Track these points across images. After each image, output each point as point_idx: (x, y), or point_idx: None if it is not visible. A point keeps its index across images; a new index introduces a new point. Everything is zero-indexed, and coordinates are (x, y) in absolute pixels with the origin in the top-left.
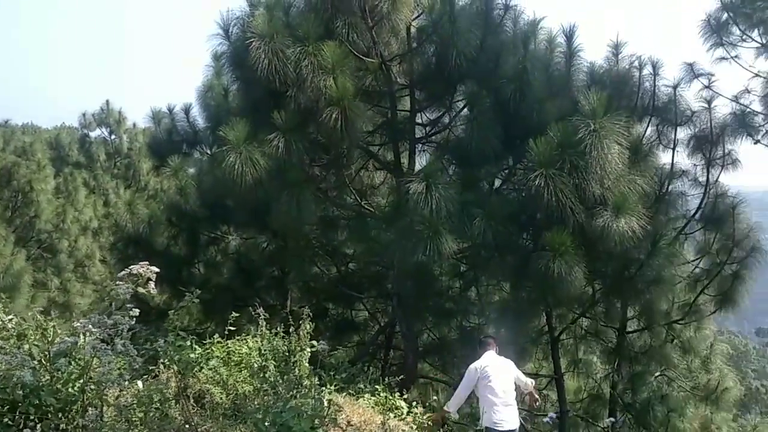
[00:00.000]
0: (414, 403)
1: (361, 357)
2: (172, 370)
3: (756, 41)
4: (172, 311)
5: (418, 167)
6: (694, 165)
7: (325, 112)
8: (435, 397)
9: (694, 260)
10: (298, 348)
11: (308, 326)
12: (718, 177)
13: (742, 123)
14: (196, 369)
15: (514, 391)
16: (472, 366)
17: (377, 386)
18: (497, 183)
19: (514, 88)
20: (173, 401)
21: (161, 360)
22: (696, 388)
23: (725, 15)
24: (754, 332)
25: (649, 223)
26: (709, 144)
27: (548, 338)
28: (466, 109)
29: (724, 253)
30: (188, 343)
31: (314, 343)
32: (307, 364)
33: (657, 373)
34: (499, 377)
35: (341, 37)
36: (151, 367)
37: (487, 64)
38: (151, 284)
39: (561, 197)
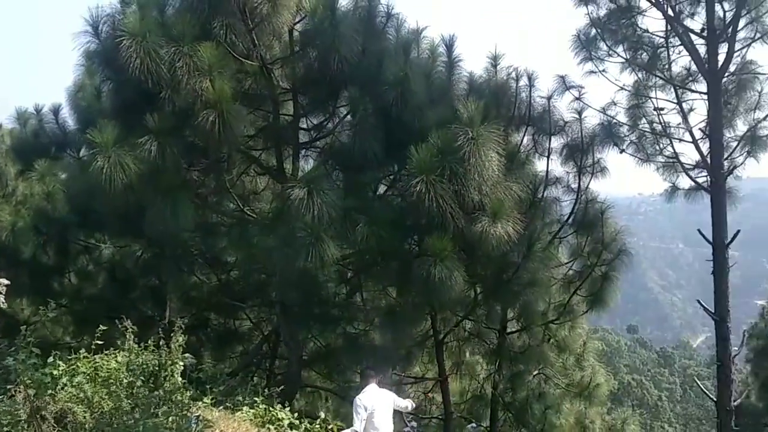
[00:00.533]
0: (297, 415)
1: (244, 368)
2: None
3: (621, 56)
4: (25, 326)
5: (302, 173)
6: (567, 172)
7: (202, 115)
8: (324, 407)
9: (567, 263)
10: (169, 362)
11: (180, 339)
12: (588, 184)
13: (609, 133)
14: (57, 387)
15: (392, 423)
16: (359, 402)
17: (256, 398)
18: (382, 189)
19: (395, 95)
20: (25, 423)
21: (15, 379)
22: (571, 384)
23: (594, 31)
24: (626, 329)
25: (524, 227)
26: (580, 153)
27: (433, 341)
28: (349, 115)
29: (594, 255)
30: (50, 359)
31: (187, 356)
32: (179, 379)
33: (535, 372)
34: (381, 412)
35: (219, 38)
36: (8, 387)
37: (370, 70)
38: (1, 297)
39: (441, 203)
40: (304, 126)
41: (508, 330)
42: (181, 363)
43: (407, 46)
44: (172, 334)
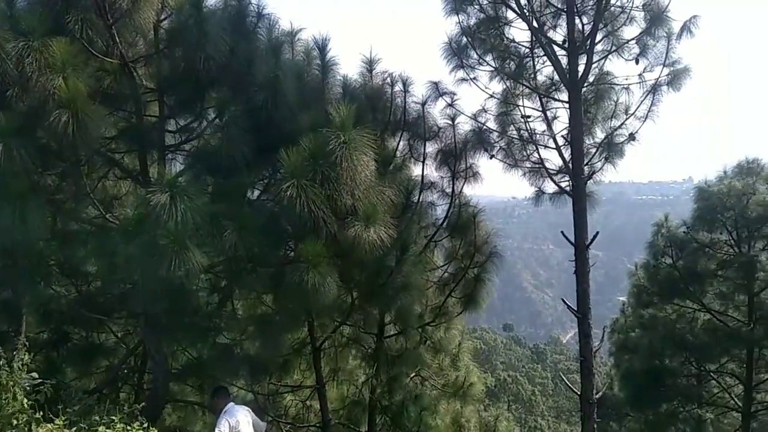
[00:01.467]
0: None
1: (109, 384)
2: None
3: (490, 65)
4: None
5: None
6: (442, 177)
7: (54, 115)
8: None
9: (442, 265)
10: (11, 383)
11: (25, 356)
12: (462, 188)
13: (481, 139)
14: None
15: None
16: (225, 423)
17: (113, 417)
18: (254, 194)
19: (266, 97)
20: None
21: None
22: (447, 385)
23: (465, 39)
24: (502, 327)
25: (399, 232)
26: (454, 158)
27: (311, 348)
28: (217, 117)
29: (467, 258)
30: None
31: (33, 374)
32: (23, 400)
33: (412, 374)
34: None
35: (75, 34)
36: None
37: (240, 71)
38: None
39: (313, 208)
40: (171, 128)
41: (386, 334)
42: (25, 383)
43: (279, 47)
44: (15, 352)
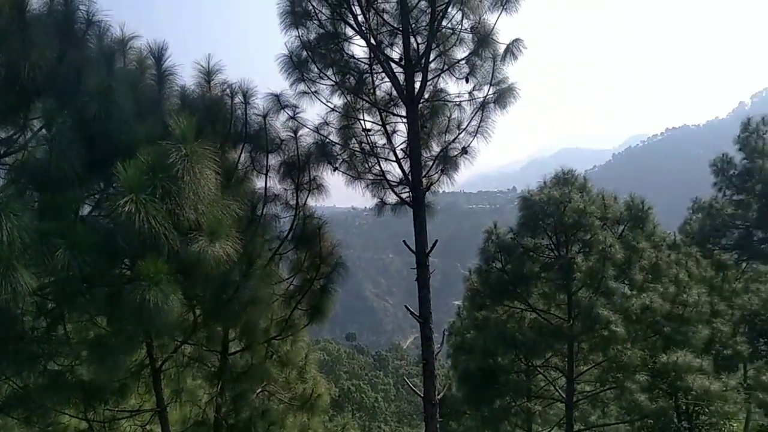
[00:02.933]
0: None
1: None
2: None
3: (331, 79)
4: None
5: None
6: (285, 189)
7: None
8: None
9: (288, 278)
10: None
11: None
12: (306, 200)
13: (323, 152)
14: None
15: None
16: None
17: None
18: (86, 209)
19: (99, 107)
20: None
21: None
22: (294, 398)
23: (305, 53)
24: (345, 337)
25: (244, 245)
26: (297, 170)
27: (150, 370)
28: (44, 128)
29: (313, 269)
30: None
31: None
32: None
33: (258, 390)
34: None
35: None
36: None
37: (68, 80)
38: None
39: (154, 224)
40: None
41: (231, 350)
42: None
43: (111, 55)
44: None
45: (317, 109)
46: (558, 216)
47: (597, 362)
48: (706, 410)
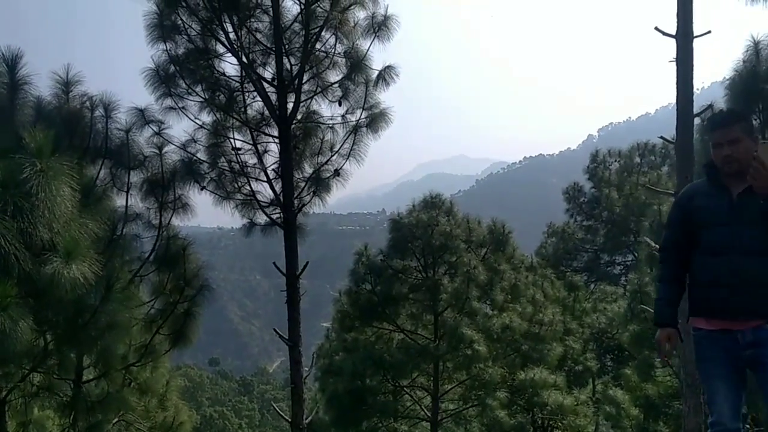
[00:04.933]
0: None
1: None
2: None
3: (200, 96)
4: None
5: None
6: (148, 208)
7: None
8: None
9: (149, 301)
10: None
11: None
12: (170, 220)
13: (190, 170)
14: None
15: None
16: None
17: None
18: None
19: None
20: None
21: None
22: (154, 427)
23: (173, 68)
24: (208, 362)
25: (102, 267)
26: (161, 188)
27: None
28: None
29: (177, 292)
30: None
31: None
32: None
33: (115, 420)
34: None
35: None
36: None
37: None
38: None
39: (4, 243)
40: None
41: (85, 378)
42: None
43: None
44: None
45: (185, 126)
46: (426, 238)
47: (461, 380)
48: (560, 424)
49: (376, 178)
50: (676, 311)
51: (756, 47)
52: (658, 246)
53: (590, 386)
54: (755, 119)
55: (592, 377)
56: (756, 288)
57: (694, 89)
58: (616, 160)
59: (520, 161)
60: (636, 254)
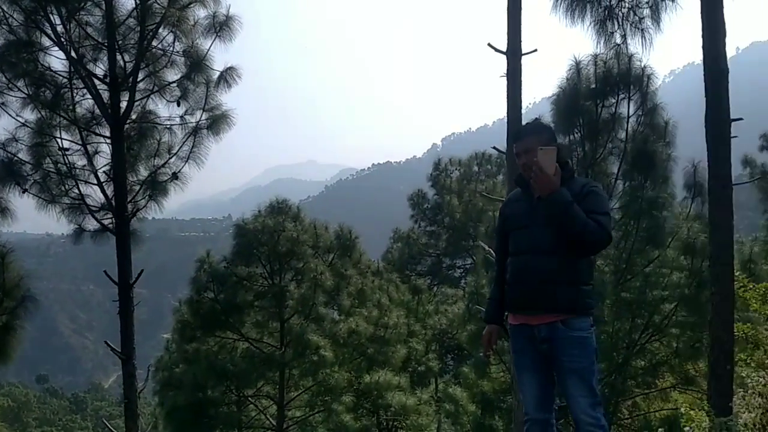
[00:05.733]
0: None
1: None
2: None
3: (23, 91)
4: None
5: None
6: None
7: None
8: None
9: None
10: None
11: None
12: None
13: (10, 171)
14: None
15: None
16: None
17: None
18: None
19: None
20: None
21: None
22: None
23: None
24: (36, 379)
25: None
26: None
27: None
28: None
29: None
30: None
31: None
32: None
33: None
34: None
35: None
36: None
37: None
38: None
39: None
40: None
41: None
42: None
43: None
44: None
45: (5, 123)
46: (272, 244)
47: (307, 387)
48: (404, 424)
49: (221, 182)
50: (502, 309)
51: (577, 66)
52: (492, 250)
53: (433, 386)
54: (577, 133)
55: (435, 377)
56: (546, 285)
57: (528, 104)
58: (456, 169)
59: (368, 168)
60: (474, 258)
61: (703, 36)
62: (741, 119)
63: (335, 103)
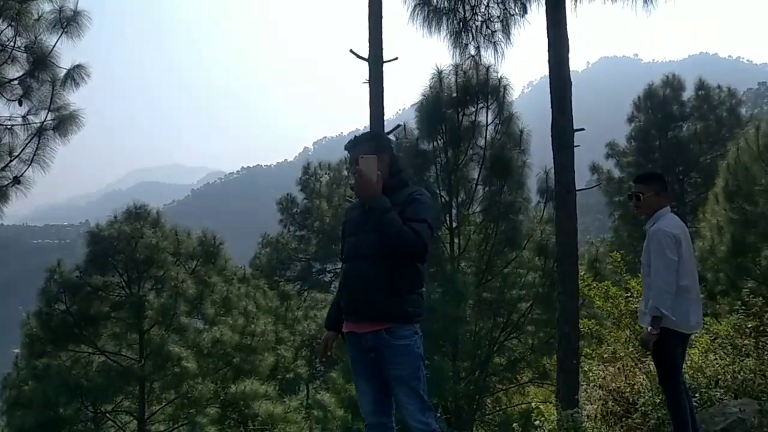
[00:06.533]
0: None
1: None
2: None
3: None
4: None
5: None
6: None
7: None
8: None
9: None
10: None
11: None
12: None
13: None
14: None
15: None
16: None
17: None
18: None
19: None
20: None
21: None
22: None
23: None
24: None
25: None
26: None
27: None
28: None
29: None
30: None
31: None
32: None
33: None
34: None
35: None
36: None
37: None
38: None
39: None
40: None
41: None
42: None
43: None
44: None
45: None
46: (129, 252)
47: (170, 400)
48: None
49: (78, 185)
50: (341, 316)
51: (440, 75)
52: None
53: (304, 392)
54: (440, 140)
55: (306, 384)
56: (371, 292)
57: (398, 110)
58: (326, 173)
59: (238, 171)
60: None
61: (549, 51)
62: (583, 129)
63: (204, 104)
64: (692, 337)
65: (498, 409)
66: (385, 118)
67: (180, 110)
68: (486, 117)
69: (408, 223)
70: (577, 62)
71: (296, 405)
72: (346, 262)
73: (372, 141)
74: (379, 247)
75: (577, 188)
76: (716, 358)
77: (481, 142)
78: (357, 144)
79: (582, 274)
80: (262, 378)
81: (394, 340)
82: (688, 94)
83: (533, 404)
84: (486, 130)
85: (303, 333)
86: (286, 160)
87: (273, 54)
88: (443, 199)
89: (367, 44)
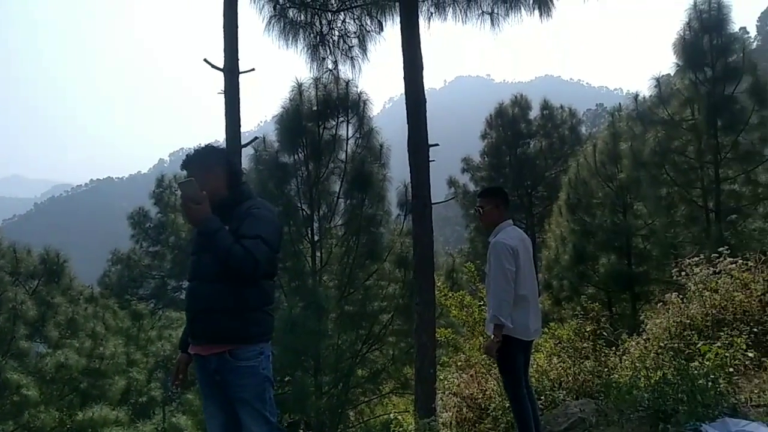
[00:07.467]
0: None
1: None
2: None
3: None
4: None
5: None
6: None
7: None
8: None
9: None
10: None
11: None
12: None
13: None
14: None
15: None
16: None
17: None
18: None
19: None
20: None
21: None
22: None
23: None
24: None
25: None
26: None
27: None
28: None
29: None
30: None
31: None
32: None
33: None
34: None
35: None
36: None
37: None
38: None
39: None
40: None
41: None
42: None
43: None
44: None
45: None
46: None
47: (9, 431)
48: None
49: None
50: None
51: (299, 88)
52: None
53: (160, 416)
54: (301, 152)
55: (161, 407)
56: (209, 314)
57: (260, 121)
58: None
59: (86, 184)
60: None
61: (404, 70)
62: (437, 144)
63: (50, 113)
64: (537, 342)
65: (360, 421)
66: (247, 129)
67: (19, 118)
68: (347, 131)
69: (241, 240)
70: (435, 80)
71: (150, 430)
72: (189, 281)
73: (204, 158)
74: (216, 266)
75: (434, 201)
76: (559, 362)
77: (342, 155)
78: (189, 163)
79: (439, 284)
80: (113, 403)
81: (237, 361)
82: (535, 113)
83: (392, 415)
84: (347, 143)
85: (157, 354)
86: (139, 172)
87: (127, 59)
88: (305, 213)
89: (222, 54)
